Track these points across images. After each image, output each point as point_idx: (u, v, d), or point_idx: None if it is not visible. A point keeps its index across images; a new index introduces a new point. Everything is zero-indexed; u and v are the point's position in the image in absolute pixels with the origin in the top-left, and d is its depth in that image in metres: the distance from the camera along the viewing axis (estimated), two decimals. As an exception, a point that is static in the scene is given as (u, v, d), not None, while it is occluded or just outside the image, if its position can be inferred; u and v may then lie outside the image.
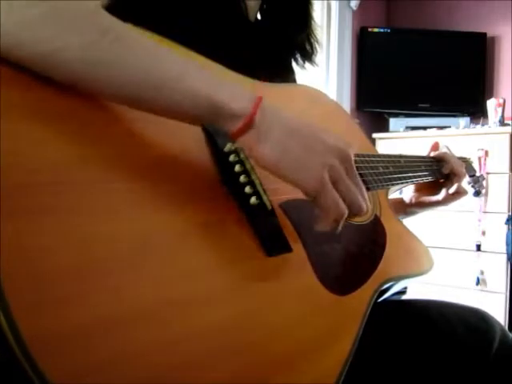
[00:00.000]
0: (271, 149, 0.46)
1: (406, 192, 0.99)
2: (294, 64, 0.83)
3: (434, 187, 0.97)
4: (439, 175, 0.96)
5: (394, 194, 0.99)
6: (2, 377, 0.30)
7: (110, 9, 0.46)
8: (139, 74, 0.42)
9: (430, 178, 0.94)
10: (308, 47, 0.80)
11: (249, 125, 0.45)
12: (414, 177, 0.89)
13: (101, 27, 0.41)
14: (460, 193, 0.96)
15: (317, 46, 0.81)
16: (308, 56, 0.81)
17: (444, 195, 0.96)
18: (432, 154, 1.01)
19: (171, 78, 0.43)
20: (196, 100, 0.44)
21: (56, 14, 0.39)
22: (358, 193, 0.50)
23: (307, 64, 0.83)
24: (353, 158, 0.50)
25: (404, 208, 0.98)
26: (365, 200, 0.51)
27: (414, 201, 0.98)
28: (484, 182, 1.23)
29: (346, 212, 0.49)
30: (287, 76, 0.81)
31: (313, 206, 0.49)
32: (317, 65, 0.83)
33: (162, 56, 0.44)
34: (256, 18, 0.77)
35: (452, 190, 0.95)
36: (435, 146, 1.03)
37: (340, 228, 0.50)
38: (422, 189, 0.98)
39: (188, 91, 0.43)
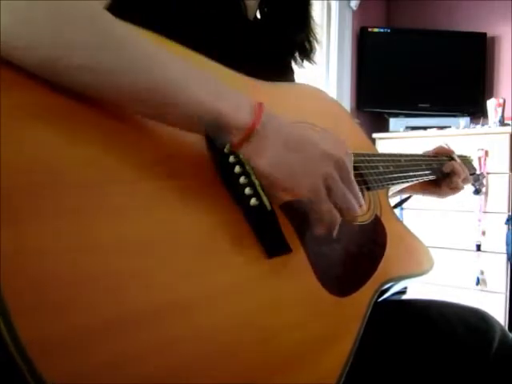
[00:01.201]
0: (269, 160, 0.47)
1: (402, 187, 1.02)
2: (293, 63, 0.83)
3: (434, 184, 1.00)
4: (440, 173, 0.97)
5: (394, 198, 1.00)
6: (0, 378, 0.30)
7: (111, 8, 0.46)
8: (141, 83, 0.42)
9: (430, 177, 0.94)
10: (307, 46, 0.80)
11: (248, 137, 0.46)
12: (415, 176, 0.89)
13: (104, 33, 0.40)
14: (457, 189, 0.99)
15: (316, 44, 0.81)
16: (307, 54, 0.81)
17: (443, 189, 0.99)
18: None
19: (173, 88, 0.43)
20: (197, 111, 0.44)
21: (60, 17, 0.39)
22: (353, 200, 0.52)
23: (306, 63, 0.83)
24: (349, 165, 0.52)
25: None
26: (358, 204, 0.53)
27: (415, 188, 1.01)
28: (484, 181, 1.24)
29: (339, 219, 0.51)
30: (287, 74, 0.81)
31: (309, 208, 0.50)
32: (316, 63, 0.84)
33: (165, 64, 0.44)
34: (255, 17, 0.76)
35: (452, 186, 0.98)
36: (441, 151, 1.04)
37: (335, 233, 0.52)
38: (422, 185, 1.00)
39: (190, 102, 0.44)
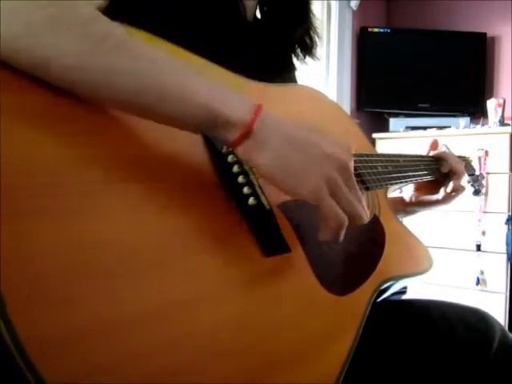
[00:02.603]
0: (270, 159, 0.46)
1: (406, 191, 0.99)
2: (294, 59, 0.82)
3: (433, 186, 0.97)
4: (438, 174, 0.96)
5: (393, 192, 0.99)
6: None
7: (109, 9, 0.46)
8: (138, 83, 0.42)
9: (429, 178, 0.94)
10: (308, 41, 0.80)
11: (247, 135, 0.45)
12: (413, 176, 0.89)
13: (99, 35, 0.41)
14: (458, 190, 0.96)
15: (317, 39, 0.81)
16: (308, 50, 0.81)
17: (443, 194, 0.96)
18: (431, 153, 1.01)
19: (171, 87, 0.43)
20: (195, 109, 0.44)
21: (55, 21, 0.39)
22: (358, 203, 0.50)
23: (308, 58, 0.83)
24: (352, 167, 0.50)
25: (404, 207, 0.98)
26: (364, 209, 0.51)
27: (413, 200, 0.98)
28: (483, 181, 1.23)
29: (346, 221, 0.49)
30: (288, 73, 0.81)
31: (311, 206, 0.49)
32: (318, 58, 0.83)
33: (162, 64, 0.44)
34: (255, 17, 0.76)
35: (449, 188, 0.96)
36: (434, 145, 1.03)
37: (341, 238, 0.49)
38: (421, 188, 0.98)
39: (187, 100, 0.43)
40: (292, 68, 0.82)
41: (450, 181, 0.96)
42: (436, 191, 0.97)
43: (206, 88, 0.45)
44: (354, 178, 0.50)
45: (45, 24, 0.39)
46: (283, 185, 0.47)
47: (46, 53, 0.39)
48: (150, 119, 0.44)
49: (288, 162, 0.46)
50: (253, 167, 0.48)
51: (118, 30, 0.42)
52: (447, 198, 0.96)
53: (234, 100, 0.46)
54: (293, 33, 0.78)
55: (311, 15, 0.79)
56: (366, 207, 0.51)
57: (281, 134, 0.47)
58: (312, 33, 0.80)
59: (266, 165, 0.46)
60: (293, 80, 0.82)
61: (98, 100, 0.43)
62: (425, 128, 2.63)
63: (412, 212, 1.00)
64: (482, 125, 2.50)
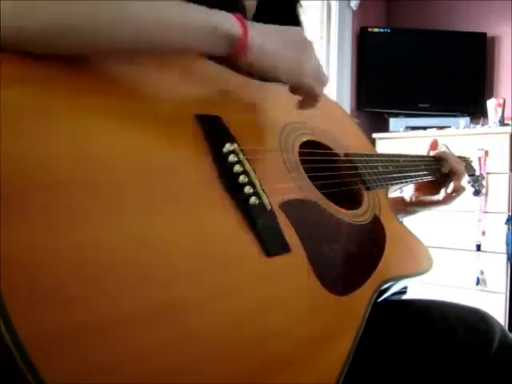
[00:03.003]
0: (271, 59, 0.55)
1: (407, 191, 0.99)
2: None
3: (433, 186, 0.97)
4: (439, 174, 0.96)
5: (394, 192, 0.99)
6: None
7: None
8: (148, 23, 0.45)
9: (429, 178, 0.94)
10: None
11: (246, 43, 0.52)
12: (414, 176, 0.89)
13: None
14: (458, 190, 0.96)
15: None
16: None
17: (444, 194, 0.96)
18: (431, 153, 1.01)
19: (176, 17, 0.47)
20: (195, 26, 0.48)
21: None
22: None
23: None
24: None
25: (404, 207, 0.98)
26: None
27: (414, 200, 0.98)
28: (484, 181, 1.23)
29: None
30: None
31: (314, 205, 0.49)
32: None
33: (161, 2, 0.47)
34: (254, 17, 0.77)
35: (450, 188, 0.95)
36: (434, 145, 1.03)
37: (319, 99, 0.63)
38: (421, 188, 0.98)
39: (187, 20, 0.48)
40: None
41: (450, 181, 0.96)
42: (436, 191, 0.97)
43: (200, 9, 0.50)
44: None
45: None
46: (282, 77, 0.57)
47: (48, 17, 0.39)
48: (157, 53, 0.49)
49: (285, 57, 0.56)
50: (255, 71, 0.56)
51: None
52: (448, 199, 0.96)
53: (223, 15, 0.51)
54: None
55: (300, 21, 0.80)
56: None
57: (273, 33, 0.56)
58: None
59: (268, 66, 0.55)
60: None
61: (100, 45, 0.44)
62: (425, 128, 2.63)
63: (412, 212, 1.00)
64: (482, 125, 2.51)
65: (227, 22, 0.51)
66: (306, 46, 0.60)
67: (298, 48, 0.58)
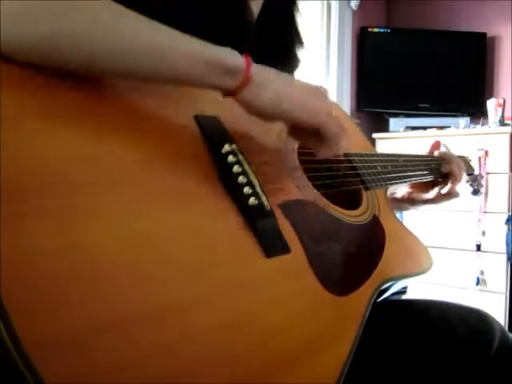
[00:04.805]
0: (272, 96, 0.50)
1: (400, 187, 0.99)
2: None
3: (427, 185, 0.97)
4: (438, 174, 0.96)
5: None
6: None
7: None
8: (139, 46, 0.44)
9: (428, 178, 0.94)
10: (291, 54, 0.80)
11: (249, 78, 0.49)
12: (413, 176, 0.89)
13: (95, 9, 0.42)
14: (452, 194, 0.95)
15: (299, 56, 0.81)
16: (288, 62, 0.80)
17: (435, 194, 0.95)
18: (436, 153, 1.00)
19: (169, 45, 0.46)
20: (194, 60, 0.46)
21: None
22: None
23: (308, 59, 0.83)
24: None
25: (396, 202, 0.98)
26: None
27: (406, 196, 0.98)
28: (482, 181, 1.23)
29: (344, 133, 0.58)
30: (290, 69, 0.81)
31: (313, 206, 0.49)
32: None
33: (157, 27, 0.46)
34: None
35: (445, 190, 0.95)
36: (437, 145, 1.02)
37: (343, 150, 0.58)
38: (415, 185, 0.98)
39: (186, 53, 0.46)
40: (297, 61, 0.82)
41: (447, 182, 0.96)
42: (429, 190, 0.97)
43: (200, 42, 0.48)
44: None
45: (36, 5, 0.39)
46: (291, 114, 0.52)
47: (40, 30, 0.39)
48: (156, 81, 0.47)
49: (291, 94, 0.52)
50: (256, 110, 0.51)
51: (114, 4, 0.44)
52: (438, 199, 0.96)
53: (227, 51, 0.49)
54: (281, 37, 0.78)
55: (296, 24, 0.79)
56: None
57: (278, 77, 0.52)
58: (296, 49, 0.79)
59: (269, 101, 0.50)
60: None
61: (99, 70, 0.44)
62: (425, 128, 2.63)
63: (402, 208, 1.00)
64: (482, 125, 2.50)
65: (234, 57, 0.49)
66: (324, 93, 0.57)
67: (316, 93, 0.56)
